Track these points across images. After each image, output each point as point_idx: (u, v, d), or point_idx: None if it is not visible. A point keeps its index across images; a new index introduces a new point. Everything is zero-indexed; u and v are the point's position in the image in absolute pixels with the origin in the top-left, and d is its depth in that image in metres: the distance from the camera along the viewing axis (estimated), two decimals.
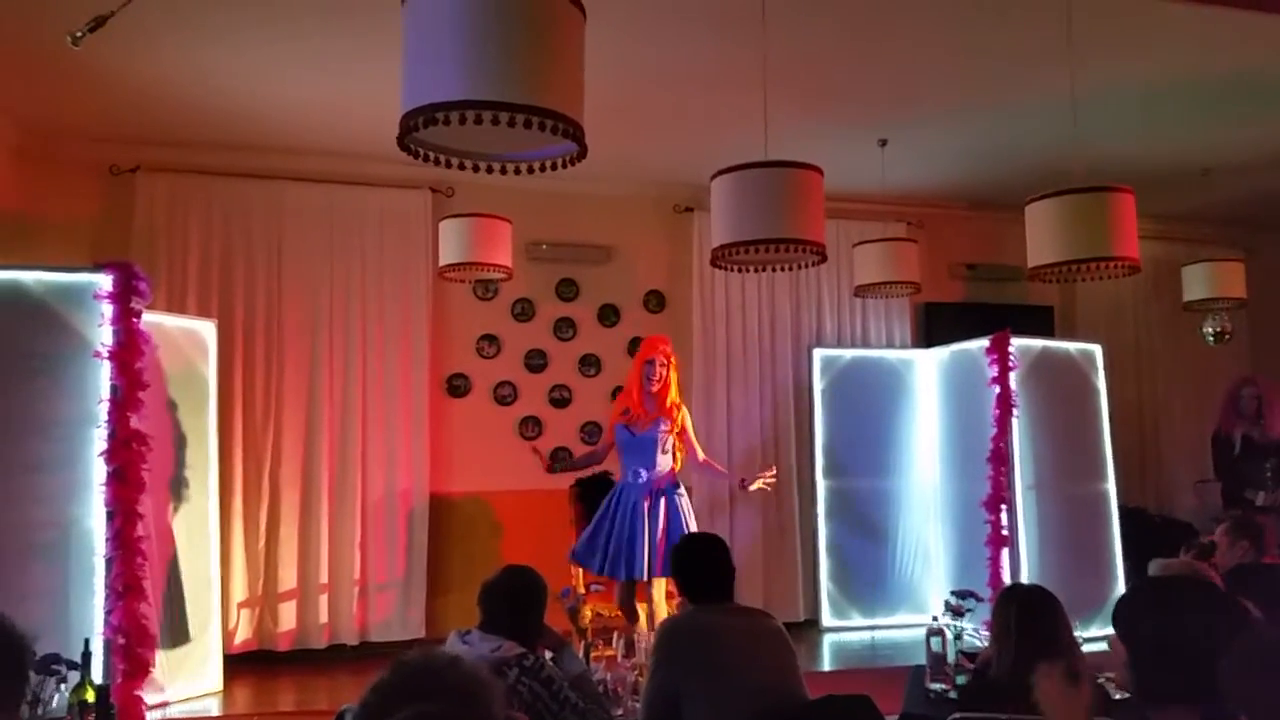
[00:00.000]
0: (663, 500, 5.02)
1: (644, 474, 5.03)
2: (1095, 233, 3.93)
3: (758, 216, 3.53)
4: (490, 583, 3.05)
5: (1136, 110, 5.88)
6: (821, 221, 3.68)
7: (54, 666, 2.85)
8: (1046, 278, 4.21)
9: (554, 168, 2.53)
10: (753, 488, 5.10)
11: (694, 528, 5.07)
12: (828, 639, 7.00)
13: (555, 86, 2.26)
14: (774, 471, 5.13)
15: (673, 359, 5.17)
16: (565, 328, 7.16)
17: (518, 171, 2.56)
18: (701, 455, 5.25)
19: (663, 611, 5.09)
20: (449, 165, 2.55)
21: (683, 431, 5.14)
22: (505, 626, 2.95)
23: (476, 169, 2.55)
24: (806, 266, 3.90)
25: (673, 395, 5.12)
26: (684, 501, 5.11)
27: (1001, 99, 5.71)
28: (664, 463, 5.07)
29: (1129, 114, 5.90)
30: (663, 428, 5.05)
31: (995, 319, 7.01)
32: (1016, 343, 6.54)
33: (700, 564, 3.14)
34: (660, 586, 5.09)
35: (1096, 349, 7.01)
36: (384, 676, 1.60)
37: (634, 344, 7.23)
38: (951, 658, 3.61)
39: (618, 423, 5.18)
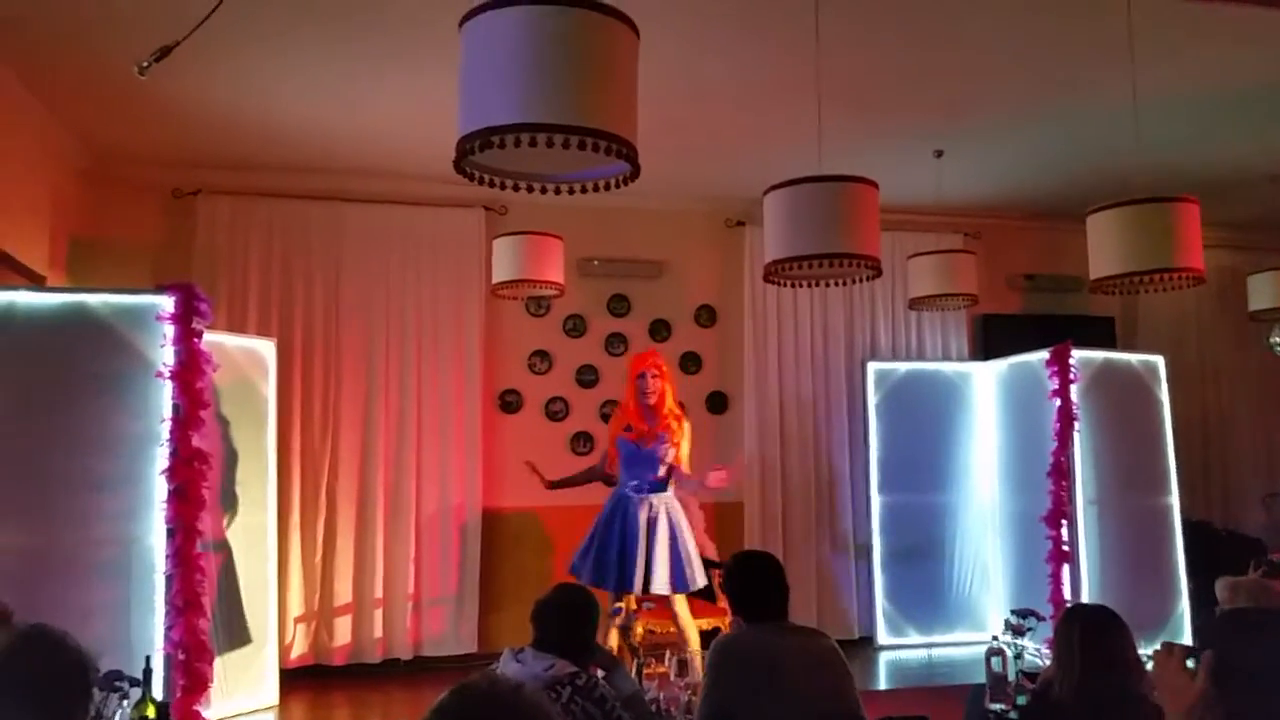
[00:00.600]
0: (664, 512, 5.12)
1: (644, 487, 5.17)
2: (1159, 244, 3.85)
3: (811, 231, 3.50)
4: (543, 600, 3.05)
5: (1200, 116, 5.75)
6: (877, 235, 3.64)
7: (117, 684, 2.90)
8: (1109, 289, 4.12)
9: (607, 187, 2.53)
10: (709, 483, 4.99)
11: (692, 539, 5.15)
12: (883, 657, 6.91)
13: (609, 107, 2.26)
14: (724, 471, 4.99)
15: (664, 369, 5.28)
16: (617, 343, 7.17)
17: (571, 192, 2.57)
18: (686, 469, 5.25)
19: (691, 626, 5.08)
20: (503, 187, 2.56)
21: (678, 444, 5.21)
22: (558, 644, 2.94)
23: (530, 189, 2.56)
24: (861, 281, 3.85)
25: (669, 405, 5.23)
26: (681, 514, 5.19)
27: (1060, 106, 5.61)
28: (664, 475, 5.21)
29: (1192, 120, 5.77)
30: (664, 442, 5.16)
31: (1055, 330, 6.88)
32: (1077, 354, 6.41)
33: (755, 583, 3.11)
34: (682, 602, 5.10)
35: (1159, 360, 6.85)
36: (447, 700, 1.58)
37: (685, 357, 7.24)
38: (1012, 677, 3.53)
39: (619, 436, 5.26)
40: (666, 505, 5.19)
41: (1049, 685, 3.11)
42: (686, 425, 5.33)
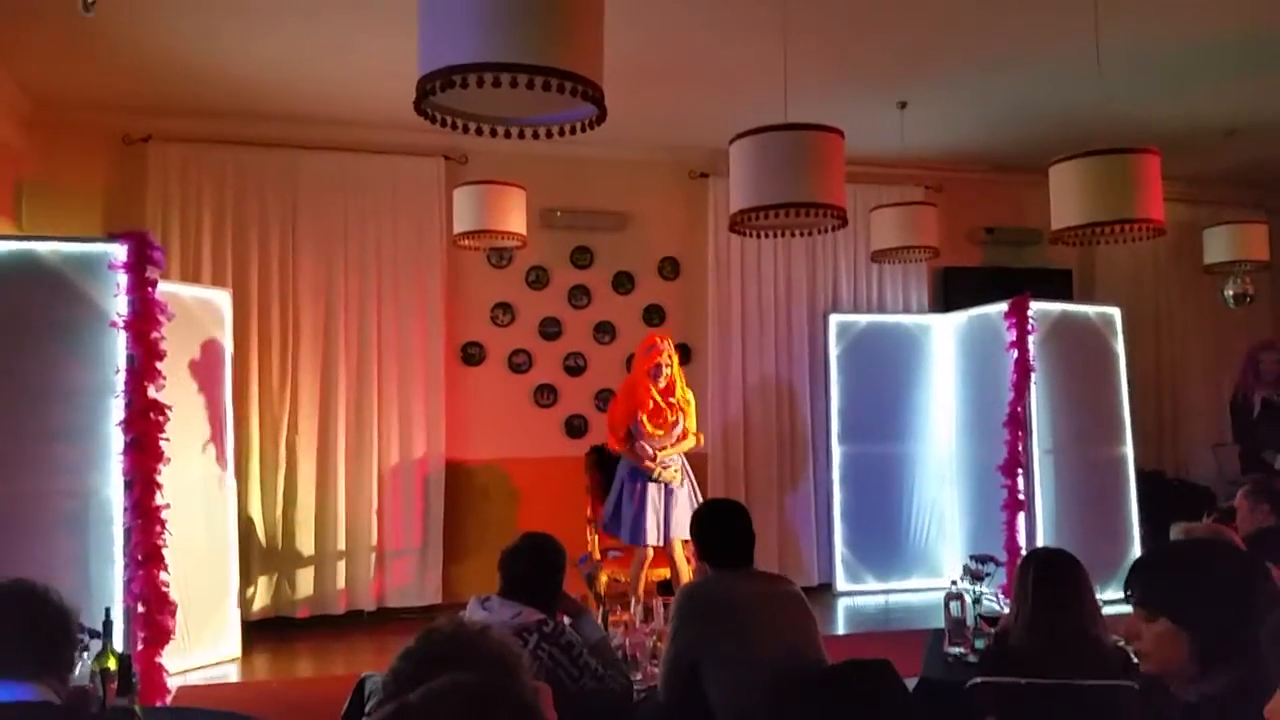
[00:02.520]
0: (681, 470, 5.52)
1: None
2: (1120, 195, 3.88)
3: (778, 180, 3.48)
4: (510, 549, 3.05)
5: (1161, 70, 5.78)
6: (842, 185, 3.64)
7: (77, 635, 2.86)
8: (1069, 240, 4.16)
9: (573, 131, 2.49)
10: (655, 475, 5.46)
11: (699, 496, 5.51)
12: (842, 603, 7.02)
13: (574, 47, 2.21)
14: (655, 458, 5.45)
15: (674, 355, 5.64)
16: (580, 295, 7.13)
17: (536, 136, 2.52)
18: (698, 441, 5.68)
19: (686, 571, 5.17)
20: (465, 130, 2.51)
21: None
22: (525, 593, 2.95)
23: (494, 133, 2.52)
24: (826, 231, 3.85)
25: (680, 389, 5.56)
26: (690, 472, 5.59)
27: (1025, 58, 5.61)
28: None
29: (1154, 74, 5.80)
30: (679, 426, 5.53)
31: (1014, 283, 6.94)
32: (1035, 307, 6.49)
33: (721, 530, 3.13)
34: (678, 547, 5.23)
35: (1116, 312, 6.95)
36: (413, 645, 1.59)
37: (649, 310, 7.22)
38: (971, 622, 3.60)
39: (637, 418, 5.47)
40: (683, 463, 5.55)
41: (1006, 631, 3.18)
42: (691, 398, 5.66)
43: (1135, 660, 2.51)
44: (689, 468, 5.61)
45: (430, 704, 1.14)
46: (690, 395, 5.65)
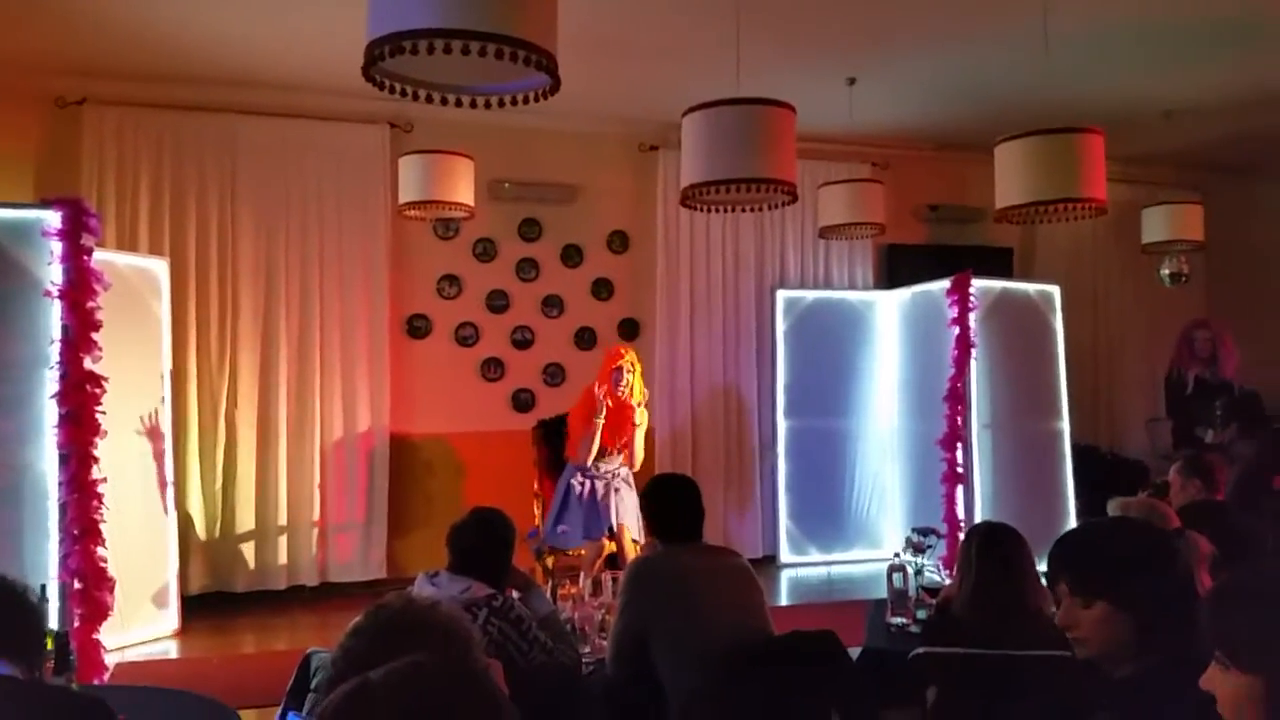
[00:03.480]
0: (624, 482, 5.47)
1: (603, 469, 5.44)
2: (1064, 174, 3.93)
3: (730, 155, 3.47)
4: (459, 525, 3.03)
5: (1105, 52, 5.85)
6: (793, 161, 3.64)
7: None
8: (1014, 219, 4.21)
9: (525, 101, 2.46)
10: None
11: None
12: (785, 574, 7.12)
13: (528, 16, 2.18)
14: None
15: (638, 366, 5.50)
16: (528, 268, 7.08)
17: (487, 105, 2.49)
18: (633, 462, 5.52)
19: (632, 551, 5.18)
20: (415, 98, 2.46)
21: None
22: (474, 568, 2.95)
23: (444, 101, 2.47)
24: (777, 207, 3.86)
25: (638, 398, 5.43)
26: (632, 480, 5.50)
27: (974, 36, 5.64)
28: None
29: (1097, 55, 5.87)
30: (628, 445, 5.44)
31: (956, 260, 7.05)
32: (977, 284, 6.59)
33: (671, 504, 3.15)
34: (627, 534, 5.24)
35: (1055, 290, 7.08)
36: (364, 621, 1.58)
37: (597, 284, 7.20)
38: (913, 593, 3.66)
39: (590, 432, 5.34)
40: (625, 476, 5.49)
41: (948, 602, 3.24)
42: (644, 415, 5.51)
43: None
44: (632, 480, 5.51)
45: (393, 684, 1.13)
46: (645, 415, 5.51)
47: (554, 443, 5.74)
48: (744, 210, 4.00)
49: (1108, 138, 4.24)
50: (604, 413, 5.29)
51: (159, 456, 5.45)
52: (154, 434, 5.42)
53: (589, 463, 5.34)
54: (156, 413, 5.44)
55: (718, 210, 4.01)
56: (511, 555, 3.08)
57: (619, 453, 5.42)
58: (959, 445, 6.53)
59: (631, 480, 5.48)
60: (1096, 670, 1.79)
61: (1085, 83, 6.19)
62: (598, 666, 3.16)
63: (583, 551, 5.38)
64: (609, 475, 5.38)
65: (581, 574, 3.90)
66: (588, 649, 3.30)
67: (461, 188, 5.43)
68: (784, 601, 6.53)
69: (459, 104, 2.50)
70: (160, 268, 5.63)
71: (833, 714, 2.81)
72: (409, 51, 2.17)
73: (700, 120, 3.59)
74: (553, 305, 7.12)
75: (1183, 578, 1.79)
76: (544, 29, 2.22)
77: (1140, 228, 7.12)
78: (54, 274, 4.50)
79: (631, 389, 5.41)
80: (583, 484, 5.37)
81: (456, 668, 1.22)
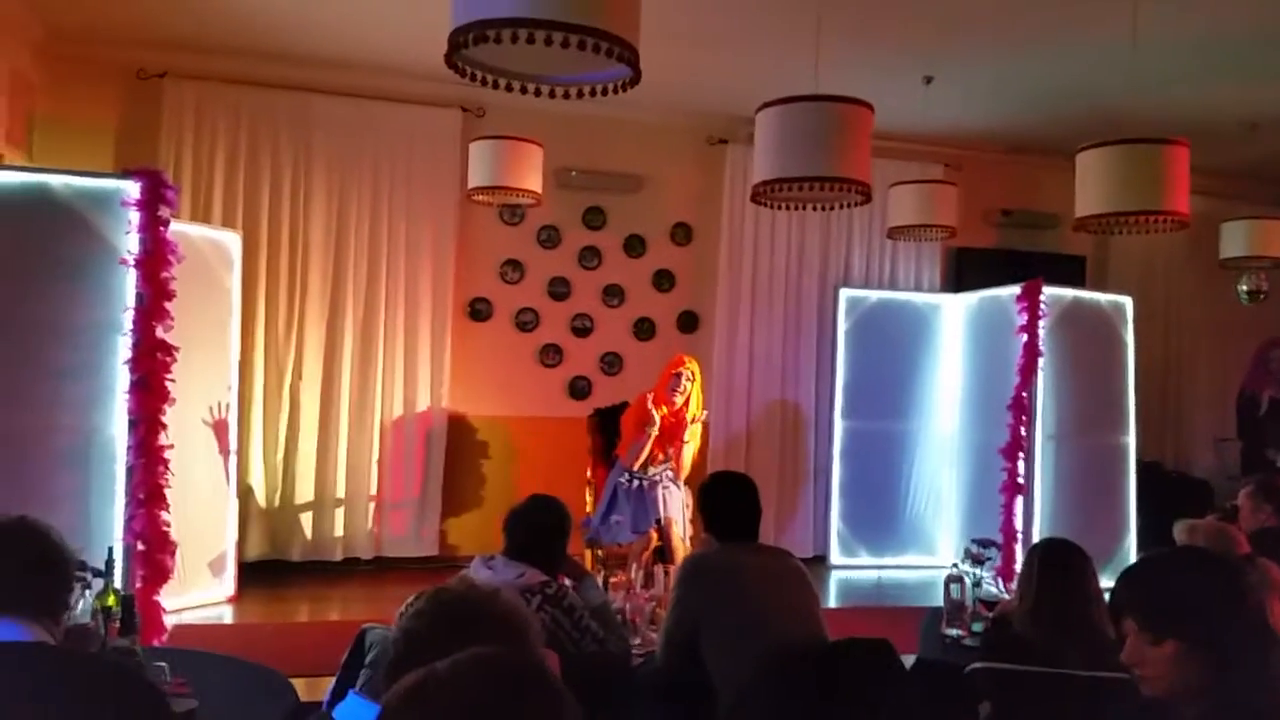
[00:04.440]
0: (673, 485, 5.39)
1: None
2: (1147, 185, 3.83)
3: (805, 153, 3.43)
4: (517, 510, 3.05)
5: (1191, 59, 5.69)
6: (869, 161, 3.59)
7: (79, 573, 2.86)
8: (1092, 228, 4.12)
9: (605, 93, 2.45)
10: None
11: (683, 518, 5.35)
12: (835, 576, 7.05)
13: (613, 7, 2.17)
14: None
15: (698, 375, 5.44)
16: (590, 256, 7.08)
17: (566, 95, 2.48)
18: (682, 471, 5.43)
19: (680, 548, 5.16)
20: (495, 86, 2.46)
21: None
22: (530, 555, 2.96)
23: (524, 90, 2.47)
24: (849, 206, 3.80)
25: (694, 411, 5.38)
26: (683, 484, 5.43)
27: (1057, 38, 5.51)
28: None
29: (1184, 63, 5.71)
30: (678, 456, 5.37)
31: (1026, 267, 6.92)
32: (1047, 292, 6.46)
33: (729, 502, 3.13)
34: (675, 530, 5.23)
35: (1127, 301, 6.91)
36: (424, 605, 1.58)
37: (659, 275, 7.19)
38: (969, 604, 3.61)
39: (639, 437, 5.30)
40: (672, 476, 5.41)
41: (1007, 615, 3.18)
42: (698, 428, 5.45)
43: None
44: (681, 482, 5.47)
45: (459, 676, 1.13)
46: (697, 433, 5.46)
47: (609, 431, 5.75)
48: (813, 208, 3.95)
49: (1191, 148, 4.12)
50: (657, 425, 5.25)
51: (223, 430, 5.55)
52: (220, 413, 5.53)
53: (636, 468, 5.33)
54: (224, 397, 5.54)
55: (786, 207, 3.97)
56: (567, 543, 3.09)
57: (667, 460, 5.38)
58: (1021, 455, 6.41)
59: (681, 481, 5.45)
60: (1161, 706, 1.73)
61: (1167, 91, 6.02)
62: (647, 658, 3.16)
63: (630, 546, 5.38)
64: (657, 476, 5.36)
65: (632, 565, 3.90)
66: (638, 640, 3.31)
67: (529, 174, 5.45)
68: (832, 603, 6.47)
69: (538, 93, 2.50)
70: (233, 241, 5.74)
71: None
72: (492, 40, 2.17)
73: (775, 116, 3.55)
74: (613, 295, 7.12)
75: (1257, 615, 1.73)
76: (627, 22, 2.21)
77: (1219, 242, 6.92)
78: (130, 243, 4.59)
79: (689, 398, 5.37)
80: (630, 482, 5.35)
81: (521, 661, 1.22)
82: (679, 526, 5.25)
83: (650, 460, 5.33)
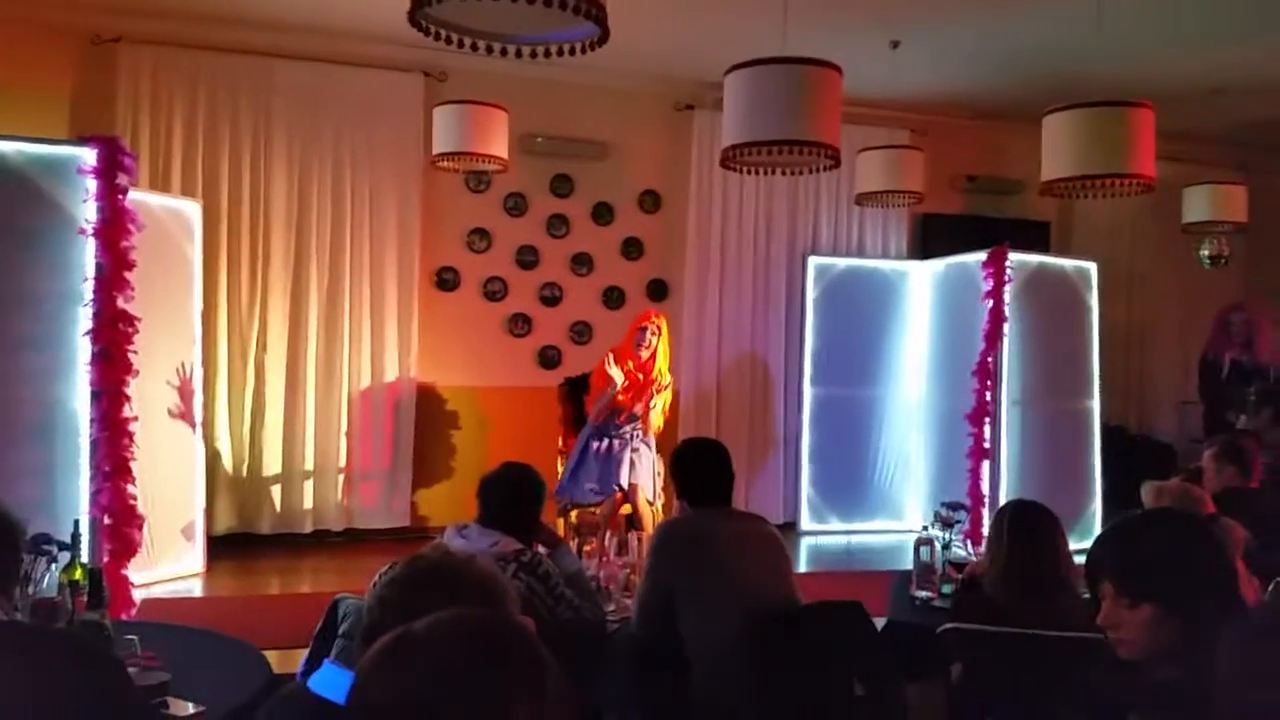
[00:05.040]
0: (643, 444, 5.40)
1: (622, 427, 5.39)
2: (1113, 148, 3.85)
3: (774, 116, 3.41)
4: (490, 477, 3.03)
5: (1156, 25, 5.71)
6: (838, 125, 3.57)
7: (44, 546, 2.82)
8: (1058, 192, 4.14)
9: (571, 52, 2.41)
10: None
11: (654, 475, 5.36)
12: (805, 541, 7.11)
13: None
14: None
15: (664, 330, 5.46)
16: (558, 225, 7.03)
17: (534, 55, 2.44)
18: (652, 429, 5.45)
19: (647, 515, 5.17)
20: (460, 45, 2.42)
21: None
22: (503, 522, 2.95)
23: (490, 50, 2.43)
24: (817, 171, 3.79)
25: (660, 365, 5.41)
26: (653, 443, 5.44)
27: (1023, 2, 5.51)
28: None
29: (1148, 29, 5.73)
30: (640, 411, 5.36)
31: (992, 232, 6.96)
32: (1012, 257, 6.51)
33: (701, 468, 3.13)
34: (641, 496, 5.23)
35: (1092, 266, 6.98)
36: (400, 572, 1.57)
37: (627, 243, 7.15)
38: (939, 567, 3.65)
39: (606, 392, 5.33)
40: (643, 435, 5.42)
41: (976, 577, 3.21)
42: (664, 400, 5.46)
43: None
44: (653, 442, 5.47)
45: (438, 635, 1.11)
46: (665, 399, 5.47)
47: (580, 401, 5.73)
48: (780, 173, 3.93)
49: (1154, 112, 4.14)
50: (618, 385, 5.26)
51: (188, 397, 5.48)
52: (184, 380, 5.45)
53: (601, 422, 5.34)
54: (186, 362, 5.47)
55: (753, 172, 3.94)
56: (541, 511, 3.08)
57: (635, 419, 5.38)
58: (987, 420, 6.48)
59: (651, 440, 5.46)
60: (1131, 667, 1.75)
61: (1133, 56, 6.05)
62: (622, 625, 3.17)
63: (596, 510, 5.40)
64: (628, 435, 5.36)
65: (606, 532, 3.90)
66: (612, 607, 3.31)
67: (495, 140, 5.38)
68: (803, 568, 6.52)
69: (504, 53, 2.46)
70: (193, 209, 5.64)
71: (856, 684, 2.81)
72: None
73: (744, 79, 3.52)
74: (582, 263, 7.08)
75: (1228, 574, 1.75)
76: None
77: (1181, 207, 6.98)
78: (88, 212, 4.49)
79: (655, 353, 5.39)
80: (600, 441, 5.36)
81: (502, 621, 1.21)
82: (646, 491, 5.26)
83: (618, 415, 5.33)
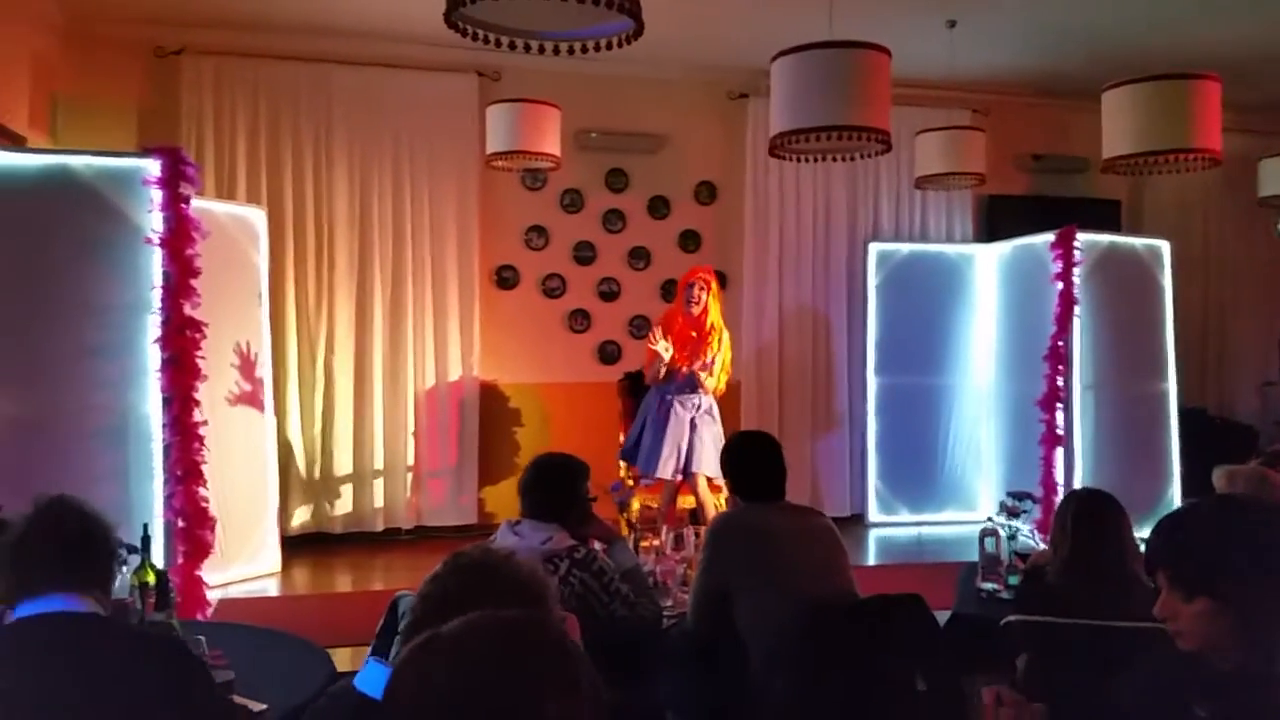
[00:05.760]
0: (705, 409, 5.38)
1: (684, 388, 5.36)
2: (1176, 123, 3.71)
3: (821, 102, 3.35)
4: (526, 472, 3.03)
5: None
6: (887, 108, 3.50)
7: (117, 549, 2.90)
8: (1121, 170, 4.02)
9: (608, 47, 2.40)
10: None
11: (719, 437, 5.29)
12: (874, 534, 7.01)
13: None
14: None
15: (711, 285, 5.41)
16: (614, 219, 7.03)
17: (570, 52, 2.44)
18: (714, 388, 5.41)
19: (710, 506, 5.15)
20: (498, 45, 2.42)
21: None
22: (548, 510, 2.93)
23: (527, 48, 2.43)
24: (870, 156, 3.73)
25: (713, 318, 5.36)
26: (717, 410, 5.44)
27: None
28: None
29: None
30: (704, 368, 5.31)
31: (1060, 213, 6.77)
32: (1082, 238, 6.31)
33: (753, 463, 3.10)
34: (704, 482, 5.20)
35: (1164, 245, 6.75)
36: (440, 570, 1.59)
37: (684, 236, 7.13)
38: (1005, 558, 3.57)
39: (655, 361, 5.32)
40: (707, 408, 5.40)
41: (1040, 567, 3.14)
42: (725, 343, 5.43)
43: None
44: (717, 412, 5.45)
45: (459, 636, 1.12)
46: (724, 337, 5.41)
47: (639, 395, 5.73)
48: (836, 159, 3.87)
49: (1225, 85, 3.98)
50: (665, 358, 5.24)
51: (257, 401, 5.61)
52: (249, 369, 5.55)
53: (659, 382, 5.33)
54: (252, 350, 5.58)
55: (808, 160, 3.89)
56: (584, 496, 3.05)
57: (695, 384, 5.32)
58: (1059, 406, 6.31)
59: (715, 412, 5.42)
60: (1197, 658, 1.69)
61: (1201, 26, 5.83)
62: (679, 620, 3.15)
63: (654, 505, 5.40)
64: (692, 407, 5.33)
65: (664, 527, 3.89)
66: (669, 603, 3.30)
67: (548, 138, 5.41)
68: (872, 561, 6.44)
69: (541, 51, 2.46)
70: (258, 216, 5.75)
71: (917, 678, 2.76)
72: None
73: (790, 65, 3.47)
74: (639, 257, 7.07)
75: None
76: None
77: (1257, 180, 6.72)
78: (154, 221, 4.61)
79: (705, 308, 5.35)
80: (661, 406, 5.34)
81: (530, 622, 1.21)
82: (709, 470, 5.22)
83: (676, 374, 5.31)
